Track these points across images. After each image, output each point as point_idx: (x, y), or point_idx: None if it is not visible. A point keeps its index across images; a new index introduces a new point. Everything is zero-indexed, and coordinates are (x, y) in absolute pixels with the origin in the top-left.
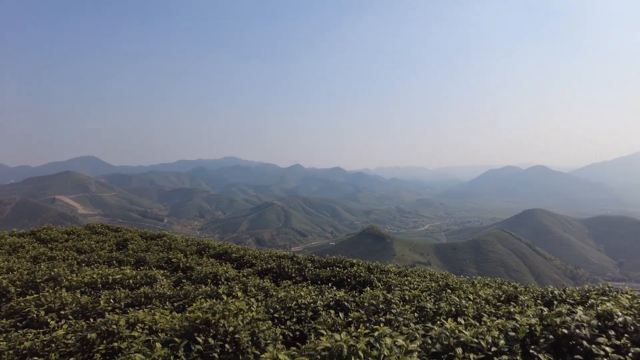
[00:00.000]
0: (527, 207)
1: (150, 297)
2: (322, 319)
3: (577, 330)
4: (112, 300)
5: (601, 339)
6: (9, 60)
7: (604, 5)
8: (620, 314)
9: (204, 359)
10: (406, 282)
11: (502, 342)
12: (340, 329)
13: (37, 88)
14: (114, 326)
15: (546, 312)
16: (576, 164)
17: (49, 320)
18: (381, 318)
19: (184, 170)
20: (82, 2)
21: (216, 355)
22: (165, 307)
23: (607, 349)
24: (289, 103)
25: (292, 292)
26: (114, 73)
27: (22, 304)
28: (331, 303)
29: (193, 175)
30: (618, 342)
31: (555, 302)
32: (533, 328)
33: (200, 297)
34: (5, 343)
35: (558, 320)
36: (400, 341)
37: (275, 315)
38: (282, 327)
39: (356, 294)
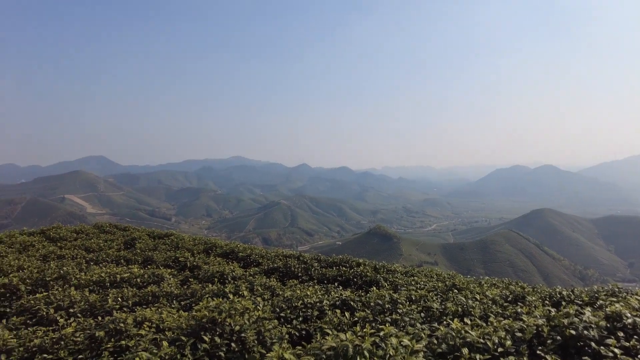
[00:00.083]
0: (535, 207)
1: (157, 296)
2: (328, 319)
3: (585, 332)
4: (120, 299)
5: (610, 341)
6: (20, 63)
7: (618, 1)
8: (629, 315)
9: (210, 358)
10: (413, 282)
11: (508, 342)
12: (346, 328)
13: (47, 89)
14: (122, 324)
15: (554, 313)
16: (586, 163)
17: (58, 318)
18: (387, 318)
19: (192, 169)
20: (91, 3)
21: (222, 354)
22: (173, 305)
23: (616, 350)
24: (295, 103)
25: (299, 292)
26: (122, 74)
27: (32, 301)
28: (337, 302)
29: (200, 174)
30: (627, 344)
31: (563, 303)
32: (540, 329)
33: (207, 296)
34: (15, 340)
35: (566, 321)
36: (406, 341)
37: (282, 314)
38: (288, 326)
39: (362, 294)
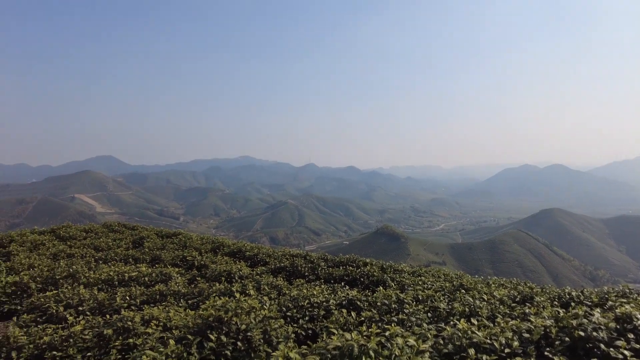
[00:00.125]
0: (544, 207)
1: (165, 295)
2: (334, 318)
3: (595, 333)
4: (128, 297)
5: (619, 342)
6: (30, 66)
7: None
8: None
9: (216, 357)
10: (420, 282)
11: (515, 343)
12: (352, 328)
13: (58, 91)
14: (130, 323)
15: (562, 314)
16: (596, 162)
17: (67, 315)
18: (393, 318)
19: (200, 169)
20: (100, 4)
21: (229, 353)
22: (180, 304)
23: (626, 352)
24: (302, 103)
25: (305, 291)
26: (131, 75)
27: (42, 299)
28: (344, 302)
29: (208, 174)
30: (638, 346)
31: (572, 304)
32: (548, 330)
33: (214, 294)
34: (25, 338)
35: (574, 322)
36: (411, 341)
37: (288, 313)
38: (295, 325)
39: (369, 294)
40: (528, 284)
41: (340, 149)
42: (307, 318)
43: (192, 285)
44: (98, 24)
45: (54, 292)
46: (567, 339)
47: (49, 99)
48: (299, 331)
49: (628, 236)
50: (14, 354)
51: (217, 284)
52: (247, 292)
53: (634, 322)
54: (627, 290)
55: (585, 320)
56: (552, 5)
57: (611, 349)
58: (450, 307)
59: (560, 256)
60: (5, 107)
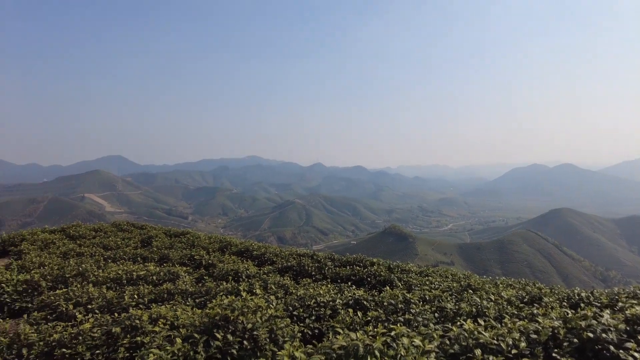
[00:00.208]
0: (554, 207)
1: (172, 293)
2: (340, 318)
3: (604, 335)
4: (136, 296)
5: (629, 344)
6: (41, 66)
7: None
8: None
9: (222, 355)
10: (427, 282)
11: (523, 344)
12: (358, 327)
13: (69, 91)
14: (137, 321)
15: (571, 315)
16: (607, 161)
17: (76, 313)
18: (400, 318)
19: (208, 169)
20: (107, 4)
21: (234, 352)
22: (187, 303)
23: (636, 354)
24: (310, 103)
25: (312, 290)
26: (141, 75)
27: (52, 297)
28: (350, 302)
29: (216, 174)
30: None
31: (581, 305)
32: (556, 331)
33: (221, 293)
34: (35, 335)
35: (583, 323)
36: (417, 341)
37: (294, 313)
38: (301, 324)
39: (375, 294)
40: (536, 285)
41: (348, 148)
42: (313, 317)
43: (200, 284)
44: (104, 23)
45: (64, 290)
46: (575, 340)
47: (61, 99)
48: (305, 330)
49: None
50: (24, 351)
51: (224, 283)
52: (254, 291)
53: None
54: (638, 292)
55: (594, 322)
56: (560, 3)
57: (621, 351)
58: (457, 307)
59: (570, 256)
60: (17, 108)
